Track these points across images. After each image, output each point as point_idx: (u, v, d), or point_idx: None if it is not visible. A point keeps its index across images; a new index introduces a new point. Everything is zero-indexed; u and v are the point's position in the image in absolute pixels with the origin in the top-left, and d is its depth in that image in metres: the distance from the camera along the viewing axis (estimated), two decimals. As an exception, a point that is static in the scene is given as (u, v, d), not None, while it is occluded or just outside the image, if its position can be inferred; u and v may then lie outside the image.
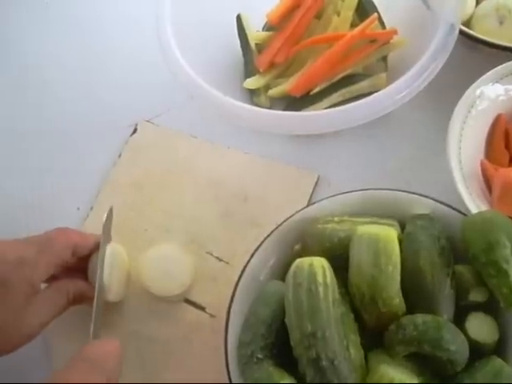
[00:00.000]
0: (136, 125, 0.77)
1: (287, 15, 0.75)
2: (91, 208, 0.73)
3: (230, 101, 0.64)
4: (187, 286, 0.65)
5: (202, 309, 0.65)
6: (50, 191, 0.75)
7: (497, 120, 0.67)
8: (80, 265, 0.62)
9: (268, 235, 0.58)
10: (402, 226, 0.57)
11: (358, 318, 0.54)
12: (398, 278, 0.52)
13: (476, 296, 0.54)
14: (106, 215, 0.64)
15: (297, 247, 0.59)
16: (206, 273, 0.67)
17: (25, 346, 0.56)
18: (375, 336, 0.54)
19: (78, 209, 0.73)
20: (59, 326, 0.61)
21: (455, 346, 0.50)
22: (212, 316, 0.65)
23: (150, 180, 0.73)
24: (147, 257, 0.65)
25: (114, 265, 0.63)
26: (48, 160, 0.77)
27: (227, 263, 0.67)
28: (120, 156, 0.75)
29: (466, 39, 0.70)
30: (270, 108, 0.74)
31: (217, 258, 0.68)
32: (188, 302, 0.66)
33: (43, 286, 0.60)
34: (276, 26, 0.76)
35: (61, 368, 0.50)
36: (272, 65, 0.75)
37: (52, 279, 0.62)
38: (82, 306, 0.62)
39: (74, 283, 0.60)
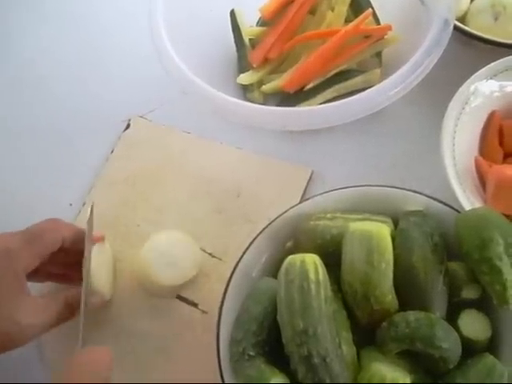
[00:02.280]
0: (129, 120, 0.77)
1: (281, 10, 0.75)
2: (83, 204, 0.72)
3: (222, 96, 0.64)
4: (190, 276, 0.64)
5: (195, 305, 0.65)
6: (42, 187, 0.75)
7: (491, 116, 0.66)
8: (73, 259, 0.62)
9: (260, 232, 0.58)
10: (395, 223, 0.57)
11: (351, 315, 0.54)
12: (391, 275, 0.52)
13: (469, 293, 0.54)
14: (89, 210, 0.63)
15: (289, 244, 0.59)
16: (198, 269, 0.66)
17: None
18: (368, 333, 0.54)
19: (71, 205, 0.73)
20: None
21: (448, 344, 0.50)
22: (204, 312, 0.65)
23: (143, 176, 0.73)
24: (153, 242, 0.65)
25: (101, 263, 0.62)
26: (40, 155, 0.77)
27: (220, 259, 0.67)
28: (113, 152, 0.75)
29: (461, 35, 0.70)
30: (263, 104, 0.74)
31: (209, 254, 0.67)
32: (180, 298, 0.65)
33: (40, 288, 0.61)
34: (270, 21, 0.76)
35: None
36: (266, 60, 0.75)
37: (47, 276, 0.62)
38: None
39: (73, 291, 0.59)
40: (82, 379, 0.50)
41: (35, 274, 0.58)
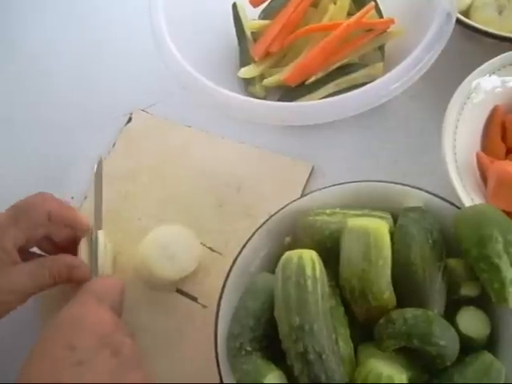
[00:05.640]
0: (131, 114, 0.77)
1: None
2: (85, 197, 0.72)
3: (222, 91, 0.64)
4: (190, 271, 0.64)
5: (194, 299, 0.65)
6: (44, 180, 0.75)
7: (494, 112, 0.66)
8: (71, 245, 0.63)
9: (259, 227, 0.58)
10: (395, 219, 0.56)
11: (349, 312, 0.54)
12: (389, 271, 0.52)
13: (468, 290, 0.54)
14: (95, 166, 0.65)
15: (288, 239, 0.59)
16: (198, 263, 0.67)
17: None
18: (366, 329, 0.54)
19: (73, 198, 0.73)
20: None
21: (445, 341, 0.50)
22: (204, 306, 0.65)
23: (144, 169, 0.73)
24: (154, 236, 0.65)
25: (101, 250, 0.63)
26: (43, 149, 0.77)
27: (220, 254, 0.67)
28: (114, 145, 0.75)
29: (464, 29, 0.69)
30: (265, 98, 0.74)
31: (209, 248, 0.67)
32: (180, 292, 0.65)
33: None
34: (272, 15, 0.75)
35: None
36: (267, 54, 0.74)
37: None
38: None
39: (61, 258, 0.60)
40: (95, 302, 0.53)
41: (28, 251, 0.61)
